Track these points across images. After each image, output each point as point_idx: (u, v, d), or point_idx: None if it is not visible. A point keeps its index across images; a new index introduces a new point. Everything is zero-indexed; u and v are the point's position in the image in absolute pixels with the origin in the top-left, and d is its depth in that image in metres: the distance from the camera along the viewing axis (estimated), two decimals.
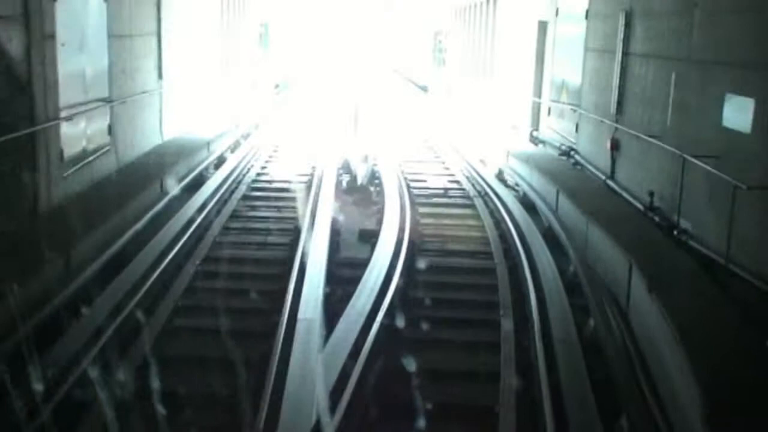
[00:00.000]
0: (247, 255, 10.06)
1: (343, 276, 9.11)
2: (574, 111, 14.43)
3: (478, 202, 13.32)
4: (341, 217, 11.97)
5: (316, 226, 10.79)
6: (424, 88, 34.58)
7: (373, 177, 14.81)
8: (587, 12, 14.06)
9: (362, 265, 9.20)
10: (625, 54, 11.87)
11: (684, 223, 9.30)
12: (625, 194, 11.38)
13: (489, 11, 24.72)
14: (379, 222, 11.44)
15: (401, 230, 10.75)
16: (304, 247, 9.63)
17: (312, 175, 15.02)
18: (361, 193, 13.65)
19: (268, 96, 29.29)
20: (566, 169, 13.76)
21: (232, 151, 17.51)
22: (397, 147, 19.40)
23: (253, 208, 12.71)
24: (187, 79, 17.49)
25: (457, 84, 31.18)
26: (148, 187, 11.65)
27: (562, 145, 14.95)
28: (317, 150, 18.00)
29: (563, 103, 15.50)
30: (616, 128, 12.02)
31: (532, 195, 13.01)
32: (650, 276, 7.60)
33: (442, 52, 37.24)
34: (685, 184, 9.29)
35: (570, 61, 15.19)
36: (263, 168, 16.14)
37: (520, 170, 14.78)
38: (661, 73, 10.53)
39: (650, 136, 10.52)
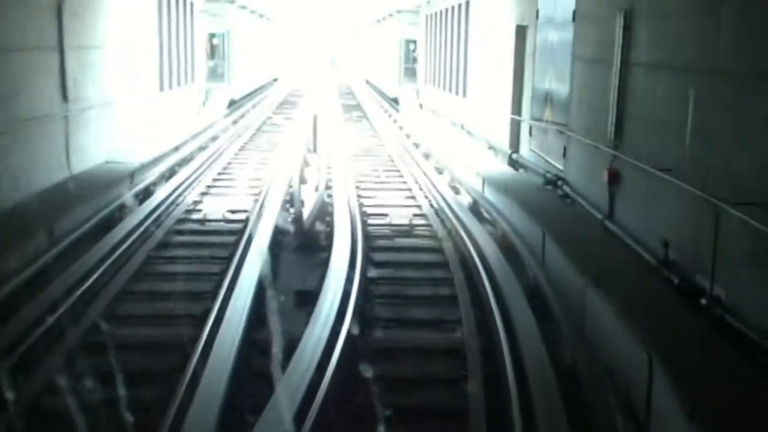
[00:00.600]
0: (140, 335, 7.66)
1: (261, 369, 6.73)
2: (562, 133, 12.08)
3: (447, 246, 10.95)
4: (275, 273, 9.66)
5: (238, 286, 8.51)
6: (395, 101, 32.32)
7: (324, 213, 12.46)
8: (574, 13, 11.71)
9: (291, 348, 6.87)
10: (625, 64, 9.54)
11: (716, 290, 6.97)
12: (628, 240, 9.04)
13: (462, 16, 22.44)
14: (323, 277, 9.10)
15: (347, 291, 8.46)
16: (215, 319, 7.55)
17: (251, 211, 12.69)
18: (307, 236, 11.26)
19: (222, 113, 26.82)
20: (553, 203, 11.42)
21: (167, 180, 15.16)
22: (358, 170, 17.23)
23: (170, 260, 10.29)
24: (112, 99, 15.10)
25: (430, 97, 28.95)
26: (27, 241, 9.23)
27: (547, 172, 12.59)
28: (265, 174, 16.03)
29: (547, 122, 13.14)
30: (615, 156, 9.69)
31: (513, 237, 10.66)
32: (685, 385, 5.27)
33: (414, 62, 35.07)
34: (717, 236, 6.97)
35: (555, 73, 12.81)
36: (196, 203, 13.69)
37: (498, 203, 12.45)
38: (674, 88, 8.22)
39: (662, 170, 8.18)
